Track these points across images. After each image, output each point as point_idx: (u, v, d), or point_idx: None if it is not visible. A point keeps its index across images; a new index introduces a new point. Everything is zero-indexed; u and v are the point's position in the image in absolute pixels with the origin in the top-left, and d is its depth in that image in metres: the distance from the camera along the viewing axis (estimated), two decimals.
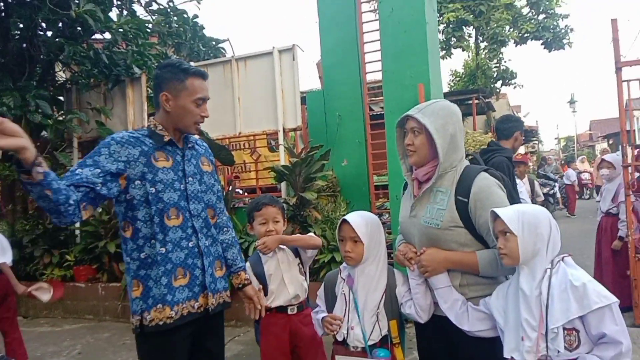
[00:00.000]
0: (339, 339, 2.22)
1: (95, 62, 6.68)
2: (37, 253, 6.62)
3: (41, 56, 6.81)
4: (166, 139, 2.18)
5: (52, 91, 7.09)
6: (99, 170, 1.97)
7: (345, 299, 2.22)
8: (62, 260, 6.50)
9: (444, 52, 16.31)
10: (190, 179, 2.21)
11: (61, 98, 7.31)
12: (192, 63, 6.60)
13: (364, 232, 2.17)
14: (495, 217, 1.85)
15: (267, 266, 2.74)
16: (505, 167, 3.84)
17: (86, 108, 6.86)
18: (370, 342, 2.14)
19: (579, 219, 13.48)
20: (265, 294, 2.67)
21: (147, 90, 6.91)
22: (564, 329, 1.71)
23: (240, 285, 2.43)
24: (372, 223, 2.26)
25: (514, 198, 2.08)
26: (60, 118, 6.81)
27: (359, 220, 2.22)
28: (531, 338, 1.75)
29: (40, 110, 6.20)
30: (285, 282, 2.71)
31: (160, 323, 2.08)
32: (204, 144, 2.45)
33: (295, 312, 2.72)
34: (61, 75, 7.77)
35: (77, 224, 6.68)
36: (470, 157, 2.27)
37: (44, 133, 6.91)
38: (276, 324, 2.70)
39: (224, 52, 9.32)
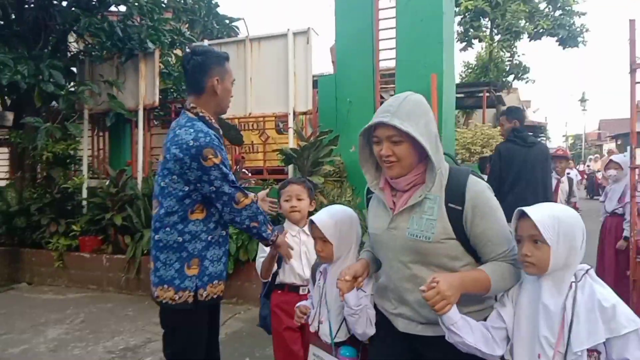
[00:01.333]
0: (312, 330, 2.16)
1: (109, 35, 6.67)
2: (44, 221, 6.70)
3: (56, 26, 6.81)
4: (220, 132, 2.43)
5: (65, 62, 7.10)
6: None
7: (320, 292, 2.16)
8: (68, 229, 6.58)
9: (465, 43, 16.22)
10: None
11: (74, 69, 7.33)
12: (206, 41, 6.60)
13: (331, 233, 2.04)
14: (519, 217, 1.64)
15: (290, 241, 2.67)
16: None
17: (98, 80, 6.88)
18: (337, 339, 2.04)
19: (584, 217, 13.45)
20: (279, 268, 2.72)
21: (160, 66, 6.92)
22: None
23: None
24: (343, 222, 2.08)
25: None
26: (72, 89, 6.83)
27: (327, 220, 2.07)
28: (549, 356, 1.58)
29: (52, 80, 6.23)
30: (303, 262, 2.69)
31: (215, 297, 2.36)
32: None
33: (306, 292, 2.64)
34: (74, 46, 7.78)
35: (84, 195, 6.76)
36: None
37: (54, 103, 6.95)
38: (289, 302, 2.60)
39: (237, 30, 9.31)
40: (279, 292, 2.70)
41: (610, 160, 5.48)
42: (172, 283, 2.27)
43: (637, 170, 4.65)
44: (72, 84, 7.24)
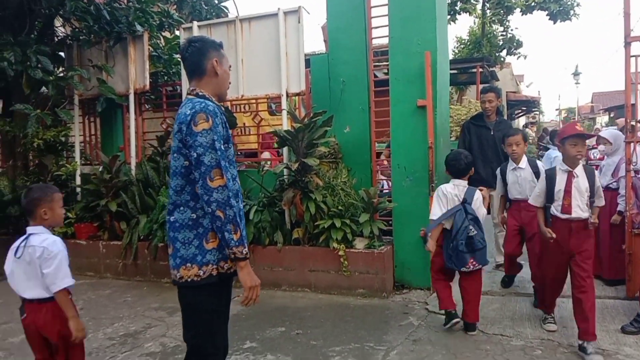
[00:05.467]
0: None
1: (96, 18, 6.55)
2: None
3: (41, 10, 6.67)
4: (223, 108, 2.46)
5: (53, 47, 6.98)
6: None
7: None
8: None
9: (449, 16, 16.04)
10: (231, 145, 2.45)
11: (61, 54, 7.21)
12: (195, 22, 6.47)
13: None
14: None
15: None
16: None
17: (87, 65, 6.77)
18: None
19: None
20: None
21: (149, 49, 6.82)
22: None
23: None
24: None
25: None
26: (61, 74, 6.73)
27: None
28: None
29: (40, 66, 6.12)
30: None
31: (232, 271, 2.37)
32: None
33: None
34: (61, 30, 7.63)
35: (78, 182, 6.70)
36: None
37: (44, 89, 6.84)
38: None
39: (226, 11, 9.15)
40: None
41: (599, 136, 5.46)
42: (194, 260, 2.31)
43: (632, 144, 4.65)
44: (60, 69, 7.13)
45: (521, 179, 4.63)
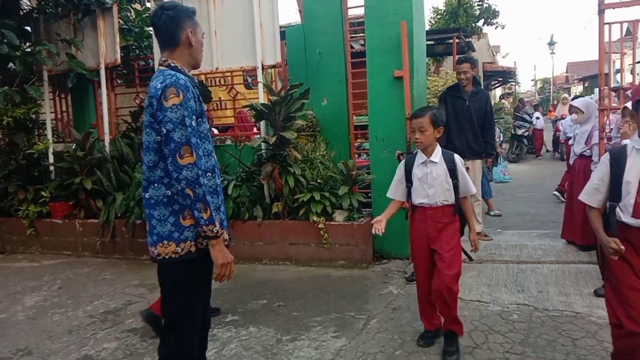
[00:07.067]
0: None
1: None
2: (11, 189, 6.52)
3: None
4: (196, 81, 2.39)
5: (18, 21, 6.72)
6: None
7: None
8: (37, 196, 6.42)
9: None
10: (205, 120, 2.39)
11: (28, 28, 6.95)
12: None
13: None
14: None
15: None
16: None
17: (55, 39, 6.54)
18: None
19: (551, 160, 13.76)
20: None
21: (119, 22, 6.62)
22: None
23: None
24: None
25: None
26: (29, 50, 6.51)
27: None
28: None
29: (6, 41, 5.90)
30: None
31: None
32: None
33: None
34: (27, 3, 7.35)
35: (51, 160, 6.56)
36: None
37: (11, 65, 6.62)
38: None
39: None
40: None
41: (571, 105, 5.57)
42: (171, 237, 2.28)
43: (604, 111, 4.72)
44: (27, 44, 6.88)
45: (431, 178, 3.26)
